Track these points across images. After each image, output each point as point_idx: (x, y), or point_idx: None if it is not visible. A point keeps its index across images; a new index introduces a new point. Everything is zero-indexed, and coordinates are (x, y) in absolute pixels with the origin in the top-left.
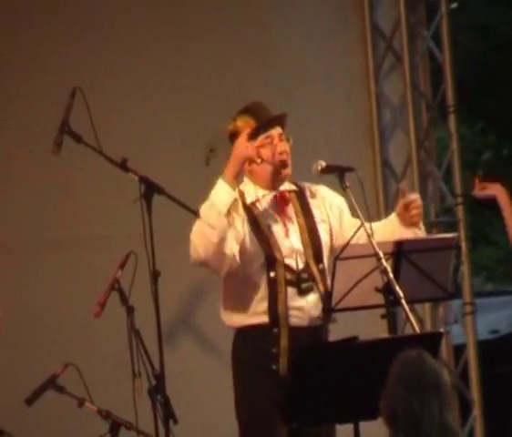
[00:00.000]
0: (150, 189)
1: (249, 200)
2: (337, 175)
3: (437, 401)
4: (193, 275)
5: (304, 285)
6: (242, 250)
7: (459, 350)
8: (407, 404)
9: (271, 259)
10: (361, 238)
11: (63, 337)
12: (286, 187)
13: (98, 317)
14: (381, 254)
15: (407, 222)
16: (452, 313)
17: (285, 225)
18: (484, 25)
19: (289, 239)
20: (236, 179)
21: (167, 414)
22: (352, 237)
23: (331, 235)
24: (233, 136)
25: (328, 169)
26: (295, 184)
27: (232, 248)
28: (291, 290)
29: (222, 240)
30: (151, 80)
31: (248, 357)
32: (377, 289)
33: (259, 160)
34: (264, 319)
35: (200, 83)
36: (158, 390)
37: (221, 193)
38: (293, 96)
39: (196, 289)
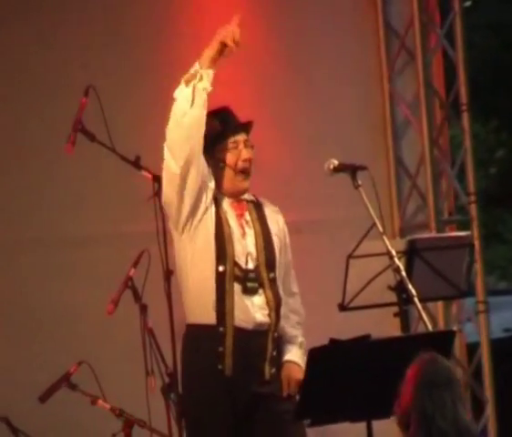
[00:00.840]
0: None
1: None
2: (349, 173)
3: (450, 397)
4: None
5: (250, 284)
6: (200, 234)
7: (472, 348)
8: (419, 404)
9: (223, 253)
10: None
11: (76, 335)
12: (245, 196)
13: (112, 315)
14: (393, 252)
15: None
16: (465, 312)
17: (242, 227)
18: (497, 23)
19: (244, 241)
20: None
21: (180, 412)
22: (364, 235)
23: (280, 251)
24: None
25: (340, 168)
26: (254, 196)
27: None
28: (237, 287)
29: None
30: (166, 78)
31: (194, 355)
32: (390, 288)
33: (221, 164)
34: (211, 316)
35: (217, 80)
36: (171, 388)
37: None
38: (307, 94)
39: None
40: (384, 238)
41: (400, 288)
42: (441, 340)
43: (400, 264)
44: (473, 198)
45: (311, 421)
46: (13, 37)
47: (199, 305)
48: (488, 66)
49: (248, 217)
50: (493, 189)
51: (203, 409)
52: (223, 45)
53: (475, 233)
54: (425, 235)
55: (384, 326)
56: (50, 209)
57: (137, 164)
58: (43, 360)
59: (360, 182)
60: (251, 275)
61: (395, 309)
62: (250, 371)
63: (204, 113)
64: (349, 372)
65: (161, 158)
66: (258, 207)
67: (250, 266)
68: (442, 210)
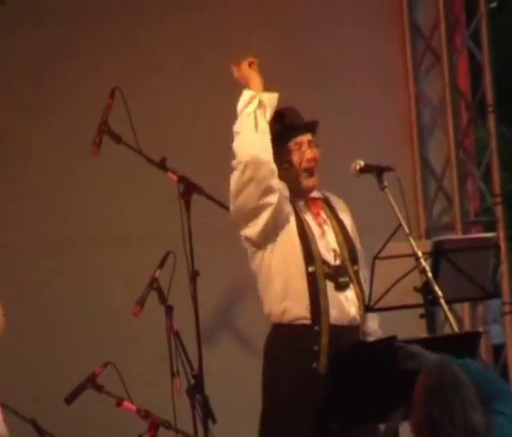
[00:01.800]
0: (189, 189)
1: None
2: (375, 174)
3: (458, 400)
4: (232, 274)
5: (342, 279)
6: (283, 242)
7: (498, 349)
8: (427, 410)
9: (310, 253)
10: None
11: (102, 336)
12: (314, 194)
13: (137, 316)
14: (420, 253)
15: None
16: (491, 313)
17: (321, 226)
18: None
19: (326, 239)
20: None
21: (205, 414)
22: (390, 236)
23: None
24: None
25: (366, 169)
26: (321, 192)
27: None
28: (329, 284)
29: (263, 150)
30: (191, 80)
31: (286, 354)
32: (416, 289)
33: (286, 165)
34: (305, 316)
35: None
36: (196, 389)
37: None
38: (333, 95)
39: (235, 289)
40: (410, 239)
41: (426, 289)
42: (467, 342)
43: (426, 265)
44: (499, 199)
45: (336, 424)
46: (37, 40)
47: (291, 306)
48: None
49: (324, 215)
50: None
51: (294, 407)
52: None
53: (500, 234)
54: (451, 236)
55: (410, 327)
56: (75, 211)
57: (162, 165)
58: (69, 362)
59: (386, 183)
60: (341, 270)
61: (421, 310)
62: None
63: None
64: (375, 374)
65: (186, 159)
66: (327, 202)
67: (338, 262)
68: (468, 212)
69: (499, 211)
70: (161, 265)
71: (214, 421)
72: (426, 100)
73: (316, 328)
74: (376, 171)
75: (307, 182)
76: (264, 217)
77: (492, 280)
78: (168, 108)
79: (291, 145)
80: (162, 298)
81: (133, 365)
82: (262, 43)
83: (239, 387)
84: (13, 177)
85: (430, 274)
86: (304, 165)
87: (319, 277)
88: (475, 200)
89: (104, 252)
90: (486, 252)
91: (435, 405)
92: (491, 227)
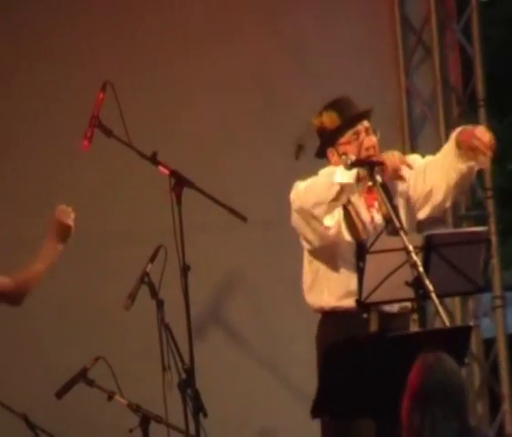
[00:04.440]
0: (180, 183)
1: None
2: (366, 168)
3: (442, 411)
4: (223, 269)
5: None
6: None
7: (489, 343)
8: (409, 418)
9: (362, 247)
10: None
11: (93, 330)
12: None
13: (128, 310)
14: (410, 248)
15: (469, 154)
16: (482, 307)
17: (373, 219)
18: None
19: (375, 228)
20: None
21: (197, 408)
22: (381, 231)
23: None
24: (320, 131)
25: (357, 163)
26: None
27: (330, 220)
28: None
29: (322, 203)
30: (182, 73)
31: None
32: (407, 283)
33: (344, 157)
34: (352, 302)
35: (234, 76)
36: (187, 383)
37: (341, 173)
38: (322, 88)
39: (226, 283)
40: (402, 233)
41: (417, 283)
42: (458, 336)
43: (417, 259)
44: (490, 193)
45: (329, 417)
46: (28, 34)
47: (341, 294)
48: (505, 61)
49: (377, 204)
50: (510, 185)
51: None
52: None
53: (492, 228)
54: (442, 230)
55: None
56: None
57: (154, 159)
58: (60, 356)
59: (378, 177)
60: None
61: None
62: None
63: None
64: (366, 368)
65: (178, 154)
66: (384, 187)
67: None
68: (459, 205)
69: (490, 205)
70: (152, 259)
71: (205, 416)
72: (417, 94)
73: (364, 315)
74: (367, 166)
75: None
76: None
77: (483, 274)
78: (160, 102)
79: (348, 135)
80: (153, 292)
81: (124, 359)
82: (253, 30)
83: (230, 381)
84: (5, 173)
85: (421, 268)
86: (363, 154)
87: None
88: (466, 194)
89: (95, 246)
90: (477, 246)
91: (416, 413)
92: (482, 220)
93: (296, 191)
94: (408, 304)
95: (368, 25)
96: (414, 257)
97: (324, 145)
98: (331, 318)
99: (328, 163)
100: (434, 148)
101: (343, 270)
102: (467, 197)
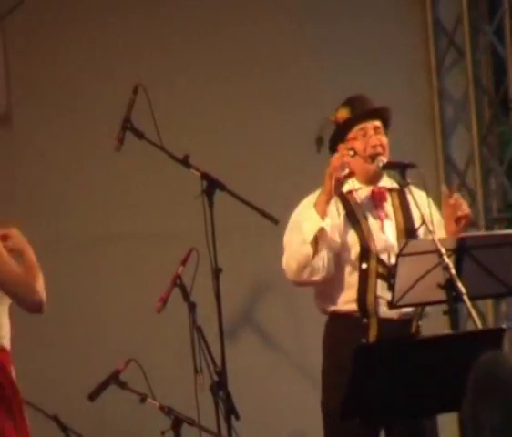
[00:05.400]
0: (212, 185)
1: (345, 189)
2: (398, 171)
3: (503, 405)
4: (255, 271)
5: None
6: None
7: None
8: (473, 412)
9: (366, 250)
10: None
11: (125, 333)
12: (387, 183)
13: (160, 313)
14: (443, 250)
15: (453, 228)
16: None
17: (381, 219)
18: None
19: (384, 234)
20: (329, 203)
21: (228, 410)
22: (412, 234)
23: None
24: (334, 125)
25: (389, 166)
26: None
27: (324, 258)
28: (380, 283)
29: (304, 266)
30: (214, 75)
31: (337, 344)
32: (439, 286)
33: (351, 152)
34: (354, 307)
35: (262, 75)
36: (219, 386)
37: (309, 222)
38: (355, 91)
39: (258, 285)
40: (434, 236)
41: (449, 286)
42: (490, 338)
43: (449, 262)
44: None
45: (360, 420)
46: (59, 36)
47: (343, 298)
48: None
49: (389, 207)
50: None
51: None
52: (337, 181)
53: None
54: (475, 233)
55: (434, 324)
56: (98, 208)
57: (185, 162)
58: (92, 359)
59: (409, 180)
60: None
61: (445, 307)
62: None
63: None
64: (396, 370)
65: (210, 156)
66: (401, 194)
67: (393, 260)
68: (491, 208)
69: None
70: (184, 262)
71: (237, 418)
72: (449, 96)
73: (364, 320)
74: (399, 168)
75: (370, 167)
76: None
77: None
78: (192, 105)
79: (356, 131)
80: (185, 294)
81: (156, 362)
82: (282, 36)
83: (262, 383)
84: (38, 173)
85: (453, 271)
86: (369, 151)
87: (370, 274)
88: (498, 196)
89: (127, 249)
90: (509, 248)
91: (483, 407)
92: None
93: (283, 265)
94: (409, 312)
95: (400, 27)
96: (447, 259)
97: (334, 139)
98: (333, 319)
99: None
100: (466, 151)
101: (342, 277)
102: (499, 199)
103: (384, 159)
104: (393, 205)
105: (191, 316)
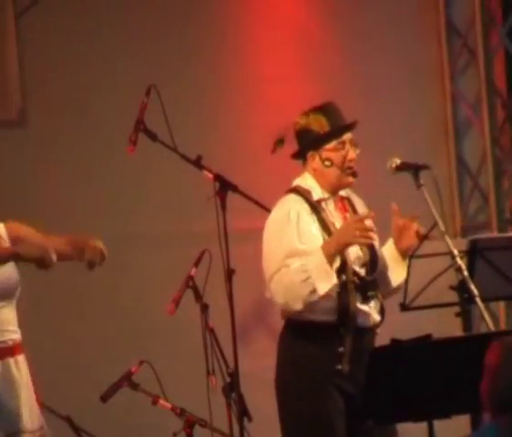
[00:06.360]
0: (224, 187)
1: (315, 197)
2: (412, 172)
3: None
4: None
5: (370, 293)
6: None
7: None
8: (494, 382)
9: (344, 262)
10: None
11: (138, 334)
12: (342, 192)
13: (173, 314)
14: (455, 252)
15: (403, 246)
16: None
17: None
18: None
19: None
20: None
21: (241, 412)
22: (426, 235)
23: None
24: (303, 132)
25: (402, 167)
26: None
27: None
28: (358, 295)
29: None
30: (227, 77)
31: (307, 350)
32: (452, 287)
33: (327, 163)
34: (331, 317)
35: (281, 78)
36: (232, 387)
37: (320, 272)
38: (368, 93)
39: None
40: (446, 237)
41: (462, 287)
42: None
43: (462, 264)
44: None
45: (373, 422)
46: (72, 38)
47: (321, 307)
48: None
49: (349, 216)
50: None
51: (317, 403)
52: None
53: None
54: (487, 234)
55: (446, 326)
56: (111, 209)
57: (198, 163)
58: (104, 360)
59: (422, 181)
60: (369, 282)
61: (457, 308)
62: (361, 368)
63: None
64: (410, 372)
65: (222, 158)
66: (350, 201)
67: (363, 272)
68: (504, 210)
69: None
70: (197, 263)
71: (250, 420)
72: (462, 98)
73: (341, 330)
74: (412, 169)
75: (348, 180)
76: None
77: None
78: (204, 107)
79: (335, 144)
80: (198, 296)
81: (169, 363)
82: (302, 37)
83: (274, 385)
84: (52, 173)
85: (466, 272)
86: (347, 164)
87: (349, 287)
88: (511, 198)
89: (140, 250)
90: None
91: (502, 378)
92: None
93: (273, 293)
94: (378, 319)
95: (413, 29)
96: (459, 261)
97: (307, 147)
98: (304, 326)
99: (303, 164)
100: (479, 152)
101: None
102: None
103: (397, 160)
104: (350, 215)
105: (204, 317)
